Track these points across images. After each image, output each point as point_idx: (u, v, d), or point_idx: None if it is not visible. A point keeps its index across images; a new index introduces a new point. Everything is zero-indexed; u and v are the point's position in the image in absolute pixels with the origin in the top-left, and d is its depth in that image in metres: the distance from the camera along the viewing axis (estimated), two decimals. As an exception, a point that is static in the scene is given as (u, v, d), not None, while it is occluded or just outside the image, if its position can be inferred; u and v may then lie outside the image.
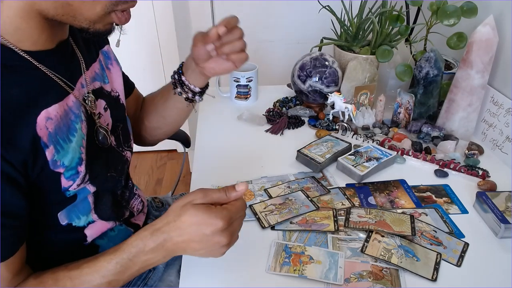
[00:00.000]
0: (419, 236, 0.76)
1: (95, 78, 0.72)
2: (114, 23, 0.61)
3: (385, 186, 0.90)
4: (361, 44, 1.21)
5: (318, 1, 1.22)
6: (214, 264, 0.70)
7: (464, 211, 0.83)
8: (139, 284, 0.85)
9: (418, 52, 1.15)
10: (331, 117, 1.13)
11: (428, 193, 0.88)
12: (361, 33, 1.19)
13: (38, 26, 0.56)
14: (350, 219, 0.79)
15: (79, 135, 0.63)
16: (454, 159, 0.96)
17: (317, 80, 1.12)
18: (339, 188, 0.89)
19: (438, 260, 0.71)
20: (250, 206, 0.83)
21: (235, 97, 1.25)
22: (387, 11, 1.14)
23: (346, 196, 0.87)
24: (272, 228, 0.78)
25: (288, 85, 1.32)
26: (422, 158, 0.97)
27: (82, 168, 0.63)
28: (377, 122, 1.12)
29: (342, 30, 1.22)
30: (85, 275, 0.59)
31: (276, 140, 1.09)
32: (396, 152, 0.98)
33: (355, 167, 0.92)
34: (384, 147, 1.01)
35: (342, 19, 1.20)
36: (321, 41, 1.26)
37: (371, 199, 0.86)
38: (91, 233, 0.71)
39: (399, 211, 0.82)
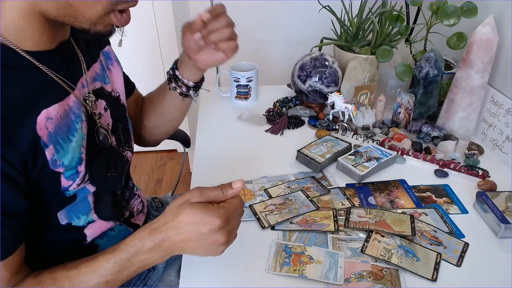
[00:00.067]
0: (419, 236, 0.76)
1: (95, 78, 0.72)
2: (114, 25, 0.61)
3: (385, 186, 0.90)
4: (361, 44, 1.21)
5: (318, 1, 1.22)
6: (214, 264, 0.70)
7: (464, 211, 0.83)
8: (139, 284, 0.85)
9: (418, 52, 1.15)
10: (331, 117, 1.13)
11: (428, 193, 0.88)
12: (361, 33, 1.19)
13: (40, 26, 0.57)
14: (350, 219, 0.79)
15: (79, 135, 0.63)
16: (454, 159, 0.96)
17: (317, 80, 1.12)
18: (339, 188, 0.89)
19: (438, 260, 0.71)
20: (250, 206, 0.83)
21: (235, 97, 1.25)
22: (387, 11, 1.14)
23: (346, 196, 0.87)
24: (272, 228, 0.78)
25: (288, 85, 1.32)
26: (422, 158, 0.97)
27: (82, 168, 0.63)
28: (377, 122, 1.12)
29: (342, 30, 1.22)
30: (83, 274, 0.59)
31: (276, 140, 1.09)
32: (396, 152, 0.98)
33: (355, 167, 0.92)
34: (384, 147, 1.01)
35: (342, 19, 1.20)
36: (321, 41, 1.26)
37: (371, 199, 0.86)
38: (90, 232, 0.71)
39: (399, 211, 0.82)
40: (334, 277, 0.68)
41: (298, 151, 0.98)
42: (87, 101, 0.67)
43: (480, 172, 0.92)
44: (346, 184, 0.91)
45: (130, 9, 0.61)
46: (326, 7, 1.21)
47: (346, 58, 1.19)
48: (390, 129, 1.09)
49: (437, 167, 0.95)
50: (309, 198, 0.85)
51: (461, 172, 0.93)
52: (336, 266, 0.70)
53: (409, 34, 1.18)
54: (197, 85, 0.83)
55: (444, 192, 0.89)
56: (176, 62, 0.82)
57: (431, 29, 1.11)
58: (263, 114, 1.18)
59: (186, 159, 1.86)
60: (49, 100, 0.59)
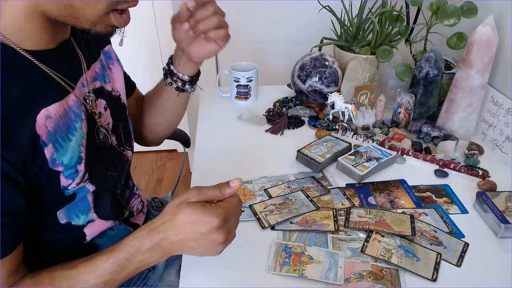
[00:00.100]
0: (419, 236, 0.76)
1: (95, 77, 0.72)
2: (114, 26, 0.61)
3: (385, 186, 0.90)
4: (361, 44, 1.21)
5: (318, 1, 1.22)
6: (214, 264, 0.70)
7: (464, 211, 0.83)
8: (139, 284, 0.85)
9: (418, 52, 1.15)
10: (331, 117, 1.13)
11: (428, 193, 0.88)
12: (361, 33, 1.19)
13: (41, 26, 0.57)
14: (350, 219, 0.79)
15: (79, 134, 0.63)
16: (454, 159, 0.96)
17: (317, 80, 1.12)
18: (339, 188, 0.89)
19: (438, 260, 0.71)
20: (250, 206, 0.83)
21: (235, 97, 1.25)
22: (387, 11, 1.14)
23: (346, 196, 0.87)
24: (272, 228, 0.78)
25: (288, 85, 1.32)
26: (422, 158, 0.97)
27: (81, 167, 0.63)
28: (377, 122, 1.12)
29: (342, 30, 1.22)
30: (82, 274, 0.59)
31: (276, 140, 1.09)
32: (396, 152, 0.98)
33: (355, 167, 0.92)
34: (384, 147, 1.01)
35: (342, 19, 1.20)
36: (321, 41, 1.26)
37: (371, 199, 0.86)
38: (90, 232, 0.71)
39: (399, 211, 0.82)
40: (334, 277, 0.68)
41: (298, 151, 0.98)
42: (87, 100, 0.67)
43: (480, 172, 0.92)
44: (346, 184, 0.91)
45: (130, 9, 0.61)
46: (326, 7, 1.21)
47: (346, 58, 1.19)
48: (390, 129, 1.09)
49: (437, 167, 0.95)
50: (309, 198, 0.85)
51: (461, 172, 0.93)
52: (336, 266, 0.70)
53: (409, 34, 1.18)
54: (193, 79, 0.82)
55: (444, 192, 0.89)
56: (171, 57, 0.82)
57: (431, 29, 1.11)
58: (263, 114, 1.18)
59: (186, 159, 1.86)
60: (49, 99, 0.59)
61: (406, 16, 1.24)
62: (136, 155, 2.36)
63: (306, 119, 1.16)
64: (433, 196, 0.87)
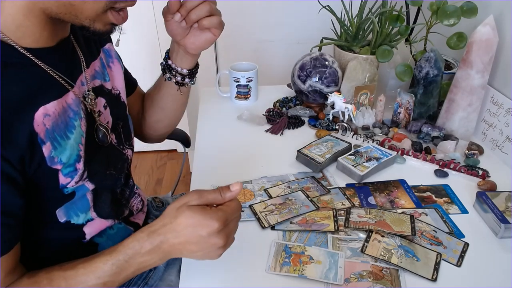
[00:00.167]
0: (419, 236, 0.76)
1: (95, 76, 0.72)
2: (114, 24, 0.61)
3: (385, 186, 0.90)
4: (361, 44, 1.21)
5: (318, 1, 1.22)
6: (214, 264, 0.70)
7: (464, 211, 0.83)
8: (140, 284, 0.85)
9: (418, 52, 1.15)
10: (331, 117, 1.13)
11: (428, 193, 0.88)
12: (361, 33, 1.19)
13: (40, 23, 0.57)
14: (350, 219, 0.79)
15: (78, 132, 0.63)
16: (454, 159, 0.96)
17: (317, 80, 1.12)
18: (339, 188, 0.89)
19: (438, 260, 0.71)
20: (250, 206, 0.83)
21: (235, 97, 1.25)
22: (387, 11, 1.14)
23: (346, 196, 0.86)
24: (272, 228, 0.78)
25: (288, 85, 1.32)
26: (422, 158, 0.97)
27: (80, 165, 0.63)
28: (377, 122, 1.12)
29: (342, 30, 1.22)
30: (80, 275, 0.58)
31: (276, 140, 1.09)
32: (396, 152, 0.98)
33: (355, 167, 0.92)
34: (384, 147, 1.01)
35: (342, 19, 1.20)
36: (321, 41, 1.26)
37: (371, 199, 0.86)
38: (90, 231, 0.71)
39: (399, 211, 0.82)
40: (334, 277, 0.68)
41: (298, 151, 0.98)
42: (87, 99, 0.67)
43: (480, 172, 0.92)
44: (346, 184, 0.91)
45: (129, 8, 0.61)
46: (326, 7, 1.21)
47: (346, 58, 1.19)
48: (390, 129, 1.09)
49: (437, 167, 0.95)
50: (309, 198, 0.85)
51: (461, 172, 0.93)
52: (336, 266, 0.70)
53: (409, 34, 1.18)
54: (192, 72, 0.82)
55: (444, 192, 0.89)
56: (168, 52, 0.82)
57: (431, 29, 1.11)
58: (263, 114, 1.18)
59: (186, 159, 1.86)
60: (48, 97, 0.59)
61: (406, 16, 1.24)
62: (136, 155, 2.36)
63: (306, 119, 1.16)
64: (433, 196, 0.87)
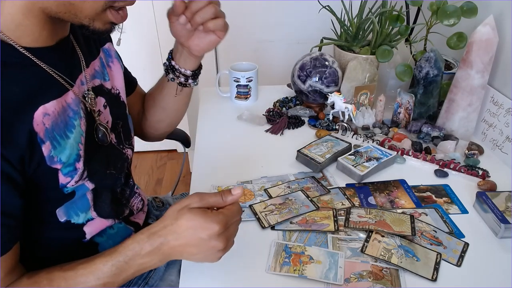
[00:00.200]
0: (419, 236, 0.76)
1: (95, 75, 0.72)
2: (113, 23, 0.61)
3: (385, 186, 0.90)
4: (361, 44, 1.21)
5: (318, 1, 1.22)
6: (214, 264, 0.70)
7: (464, 211, 0.83)
8: (140, 284, 0.85)
9: (418, 52, 1.15)
10: (331, 117, 1.13)
11: (428, 193, 0.88)
12: (361, 33, 1.19)
13: (40, 23, 0.57)
14: (350, 219, 0.79)
15: (78, 132, 0.63)
16: (454, 159, 0.96)
17: (317, 80, 1.12)
18: (339, 188, 0.89)
19: (438, 260, 0.71)
20: (250, 206, 0.83)
21: (235, 97, 1.25)
22: (387, 11, 1.14)
23: (346, 196, 0.86)
24: (272, 228, 0.78)
25: (288, 85, 1.32)
26: (422, 158, 0.97)
27: (80, 165, 0.63)
28: (377, 122, 1.12)
29: (342, 30, 1.22)
30: (80, 276, 0.58)
31: (276, 140, 1.09)
32: (396, 152, 0.98)
33: (355, 167, 0.92)
34: (384, 147, 1.01)
35: (342, 19, 1.20)
36: (321, 41, 1.26)
37: (371, 199, 0.86)
38: (90, 230, 0.71)
39: (399, 211, 0.82)
40: (334, 277, 0.68)
41: (298, 151, 0.98)
42: (86, 98, 0.67)
43: (480, 172, 0.92)
44: (346, 184, 0.91)
45: (129, 7, 0.62)
46: (326, 7, 1.21)
47: (346, 58, 1.19)
48: (390, 129, 1.09)
49: (437, 167, 0.95)
50: (309, 198, 0.85)
51: (461, 172, 0.93)
52: (336, 266, 0.70)
53: (409, 34, 1.18)
54: (195, 73, 0.82)
55: (444, 192, 0.89)
56: (171, 52, 0.82)
57: (431, 29, 1.11)
58: (263, 114, 1.18)
59: (186, 159, 1.86)
60: (48, 96, 0.59)
61: (406, 16, 1.24)
62: (136, 155, 2.36)
63: (306, 119, 1.16)
64: (433, 196, 0.87)
